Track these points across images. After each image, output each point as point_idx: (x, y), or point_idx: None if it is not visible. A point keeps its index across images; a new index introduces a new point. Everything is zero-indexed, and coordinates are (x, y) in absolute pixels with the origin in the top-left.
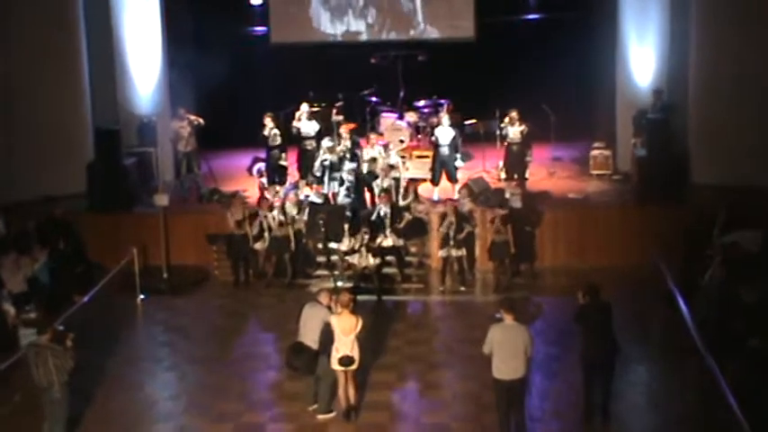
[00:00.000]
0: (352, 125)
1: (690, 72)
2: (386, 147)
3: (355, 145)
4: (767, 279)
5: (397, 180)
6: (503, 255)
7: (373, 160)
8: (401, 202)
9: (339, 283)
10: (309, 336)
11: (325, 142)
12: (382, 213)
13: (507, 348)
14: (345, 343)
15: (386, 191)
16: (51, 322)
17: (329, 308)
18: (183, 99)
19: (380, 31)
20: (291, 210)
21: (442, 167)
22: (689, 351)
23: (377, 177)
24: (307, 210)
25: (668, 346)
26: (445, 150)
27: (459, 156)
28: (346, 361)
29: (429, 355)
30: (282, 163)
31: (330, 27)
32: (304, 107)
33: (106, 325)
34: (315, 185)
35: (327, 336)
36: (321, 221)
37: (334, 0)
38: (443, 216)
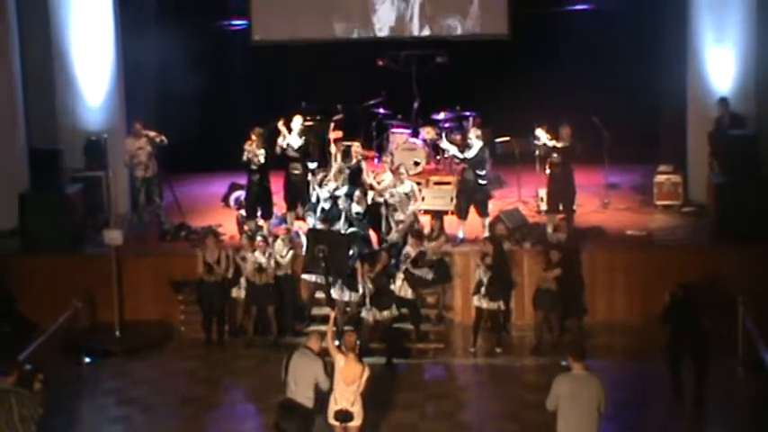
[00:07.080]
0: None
1: None
2: (396, 171)
3: (361, 168)
4: None
5: (412, 213)
6: (550, 306)
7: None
8: (426, 244)
9: (336, 343)
10: (302, 392)
11: (316, 166)
12: (403, 257)
13: (577, 404)
14: (345, 393)
15: (414, 230)
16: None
17: (320, 356)
18: (141, 111)
19: (391, 26)
20: (280, 250)
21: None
22: None
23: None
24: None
25: (758, 429)
26: (470, 175)
27: None
28: (342, 416)
29: None
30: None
31: (326, 21)
32: (297, 121)
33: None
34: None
35: (325, 392)
36: (322, 254)
37: None
38: (483, 257)
